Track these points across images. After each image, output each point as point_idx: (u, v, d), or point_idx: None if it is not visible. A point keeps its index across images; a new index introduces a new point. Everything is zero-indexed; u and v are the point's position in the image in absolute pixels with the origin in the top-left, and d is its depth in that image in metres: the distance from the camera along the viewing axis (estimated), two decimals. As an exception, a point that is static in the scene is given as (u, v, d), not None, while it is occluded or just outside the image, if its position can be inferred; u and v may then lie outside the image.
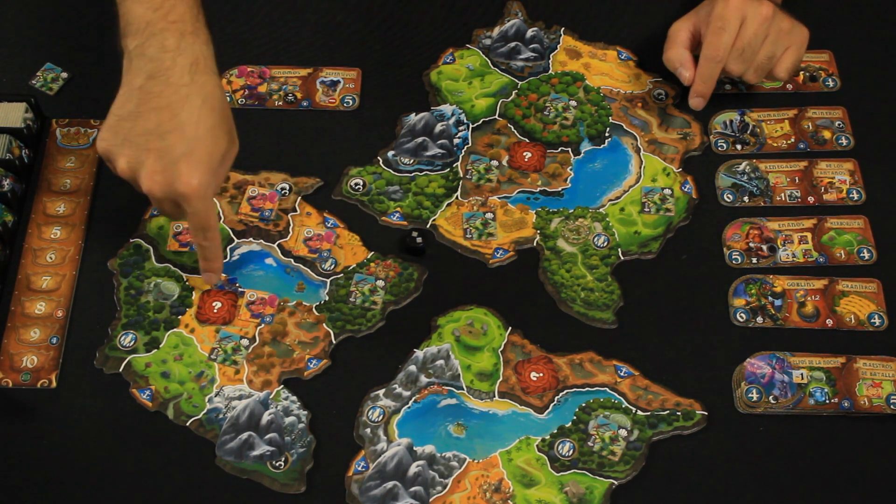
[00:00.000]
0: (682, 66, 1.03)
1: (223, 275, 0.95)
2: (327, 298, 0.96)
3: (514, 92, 1.08)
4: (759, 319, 0.95)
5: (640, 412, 0.91)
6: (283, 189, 1.02)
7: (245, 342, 0.93)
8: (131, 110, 0.85)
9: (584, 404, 0.91)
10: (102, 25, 0.99)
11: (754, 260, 0.98)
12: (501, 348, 0.94)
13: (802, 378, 0.92)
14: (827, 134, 1.05)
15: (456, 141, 1.05)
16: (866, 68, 1.09)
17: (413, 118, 1.06)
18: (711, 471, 0.88)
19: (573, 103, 1.07)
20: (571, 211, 1.01)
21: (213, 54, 0.88)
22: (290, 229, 1.00)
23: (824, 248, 0.98)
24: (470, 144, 1.05)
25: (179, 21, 0.86)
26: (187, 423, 0.90)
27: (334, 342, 0.94)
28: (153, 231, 0.99)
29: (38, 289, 0.96)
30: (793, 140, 1.05)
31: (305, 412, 0.91)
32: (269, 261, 0.98)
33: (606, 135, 1.06)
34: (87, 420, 0.91)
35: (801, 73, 1.09)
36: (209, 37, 0.89)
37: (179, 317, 0.95)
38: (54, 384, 0.92)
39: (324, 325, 0.95)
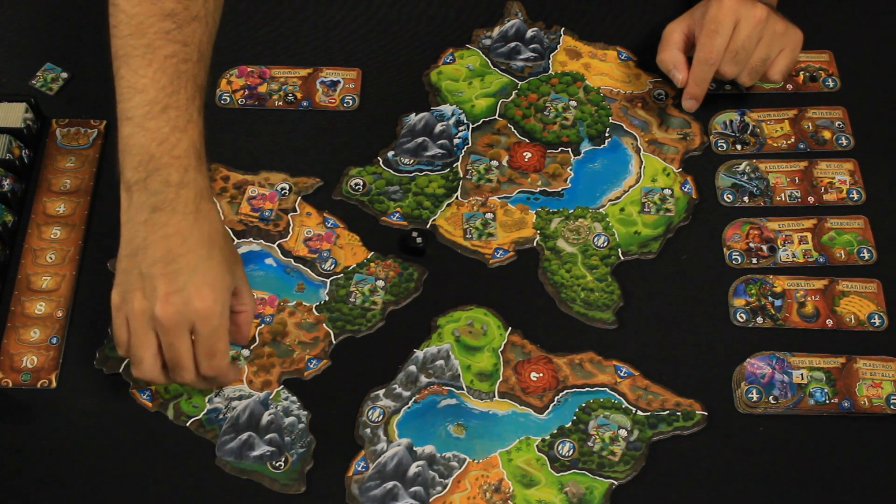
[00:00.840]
0: (676, 68, 1.03)
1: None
2: (327, 298, 0.96)
3: (514, 92, 1.08)
4: (759, 319, 0.95)
5: (640, 412, 0.91)
6: (283, 189, 1.02)
7: (245, 353, 0.93)
8: (139, 245, 0.82)
9: (584, 404, 0.91)
10: (102, 25, 0.98)
11: (754, 260, 0.98)
12: (501, 348, 0.94)
13: (802, 378, 0.92)
14: (827, 134, 1.05)
15: (456, 141, 1.05)
16: (866, 68, 1.09)
17: (413, 118, 1.06)
18: (711, 471, 0.88)
19: (573, 103, 1.07)
20: (571, 211, 1.01)
21: (210, 183, 0.86)
22: (290, 229, 1.00)
23: (824, 248, 0.98)
24: (470, 144, 1.05)
25: (184, 156, 0.83)
26: (187, 424, 0.90)
27: (334, 342, 0.94)
28: None
29: (38, 289, 0.96)
30: (793, 140, 1.05)
31: (305, 412, 0.91)
32: (269, 261, 0.98)
33: (606, 135, 1.06)
34: (87, 420, 0.91)
35: (801, 73, 1.09)
36: (207, 167, 0.86)
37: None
38: (54, 384, 0.92)
39: (324, 325, 0.95)
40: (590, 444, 0.89)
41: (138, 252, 0.82)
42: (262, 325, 0.95)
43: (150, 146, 0.82)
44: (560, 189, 1.02)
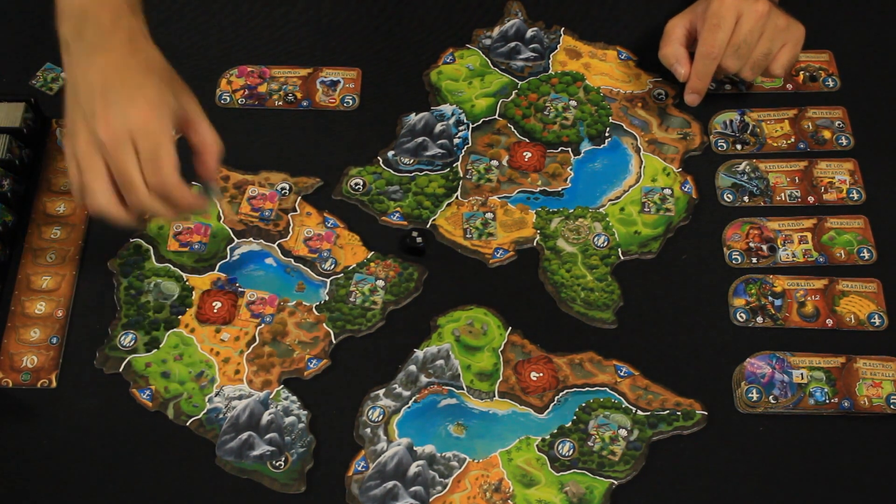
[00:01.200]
0: (678, 62, 1.03)
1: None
2: (327, 298, 0.96)
3: (514, 92, 1.08)
4: (759, 319, 0.95)
5: (640, 412, 0.91)
6: (283, 189, 1.02)
7: (217, 188, 0.93)
8: (77, 84, 0.85)
9: (584, 404, 0.91)
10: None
11: (754, 260, 0.98)
12: (501, 348, 0.94)
13: (802, 378, 0.92)
14: (827, 134, 1.05)
15: (456, 141, 1.05)
16: (866, 68, 1.10)
17: (413, 118, 1.06)
18: (711, 471, 0.88)
19: (573, 103, 1.07)
20: (571, 211, 1.01)
21: (148, 31, 0.88)
22: (290, 229, 1.00)
23: (824, 248, 0.98)
24: (470, 144, 1.05)
25: (114, 2, 0.86)
26: (187, 423, 0.90)
27: (334, 342, 0.94)
28: (153, 231, 0.99)
29: (38, 289, 0.96)
30: (793, 140, 1.05)
31: (305, 412, 0.91)
32: (269, 261, 0.98)
33: (606, 135, 1.06)
34: (87, 420, 0.91)
35: (801, 72, 1.09)
36: (143, 16, 0.89)
37: (179, 317, 0.95)
38: (54, 384, 0.92)
39: (324, 325, 0.95)
40: (590, 443, 0.89)
41: (78, 91, 0.85)
42: (262, 325, 0.95)
43: (82, 1, 0.86)
44: (560, 189, 1.02)
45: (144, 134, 0.83)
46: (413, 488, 0.87)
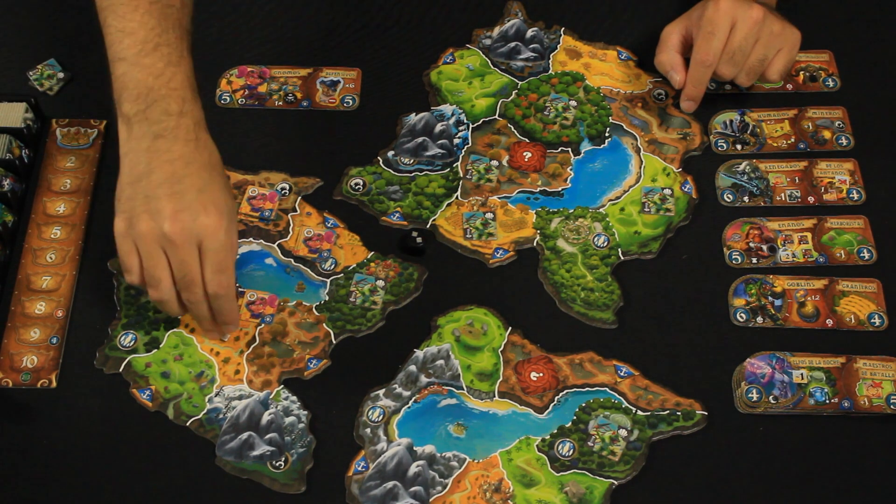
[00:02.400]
0: (673, 69, 1.03)
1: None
2: (327, 298, 0.96)
3: (514, 92, 1.08)
4: (759, 319, 0.95)
5: (640, 412, 0.91)
6: (283, 189, 1.02)
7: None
8: (142, 171, 0.84)
9: (584, 404, 0.91)
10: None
11: (754, 260, 0.98)
12: (501, 348, 0.94)
13: (802, 378, 0.92)
14: (827, 134, 1.05)
15: (456, 141, 1.05)
16: (866, 68, 1.10)
17: (413, 118, 1.06)
18: (711, 471, 0.88)
19: (573, 103, 1.07)
20: (571, 211, 1.01)
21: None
22: (290, 229, 1.00)
23: (824, 248, 0.98)
24: (470, 144, 1.05)
25: (181, 88, 0.86)
26: (187, 423, 0.90)
27: (334, 342, 0.94)
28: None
29: (38, 289, 0.96)
30: (793, 140, 1.05)
31: (305, 412, 0.91)
32: (269, 261, 0.98)
33: (606, 135, 1.06)
34: (87, 420, 0.91)
35: (801, 73, 1.09)
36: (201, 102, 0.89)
37: (179, 317, 0.95)
38: (54, 384, 0.92)
39: (324, 325, 0.95)
40: (590, 443, 0.89)
41: (142, 178, 0.84)
42: (262, 325, 0.95)
43: (148, 80, 0.85)
44: (560, 189, 1.02)
45: (212, 236, 0.84)
46: (413, 488, 0.87)
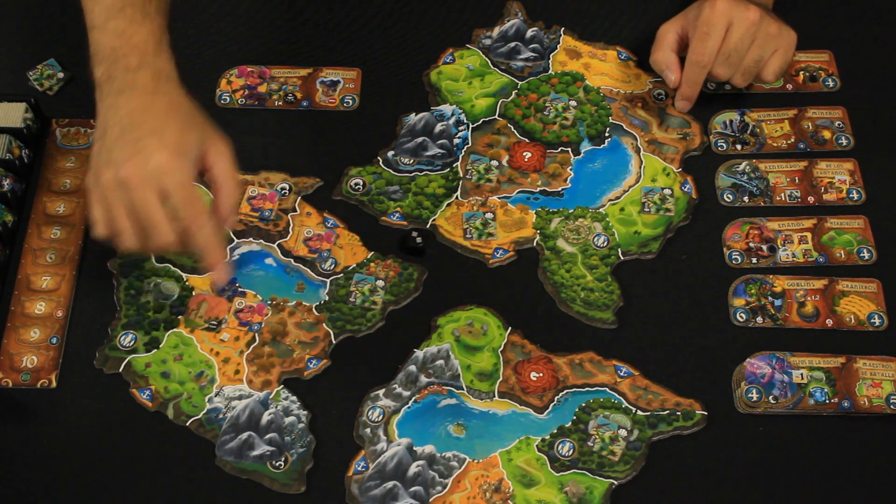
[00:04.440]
0: (669, 68, 1.03)
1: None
2: (327, 298, 0.96)
3: (514, 92, 1.08)
4: (759, 319, 0.95)
5: (640, 412, 0.91)
6: (283, 189, 1.02)
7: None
8: (104, 126, 0.86)
9: (583, 404, 0.91)
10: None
11: (754, 260, 0.98)
12: (501, 348, 0.94)
13: (802, 378, 0.92)
14: (827, 134, 1.05)
15: (456, 141, 1.05)
16: (866, 68, 1.09)
17: (413, 118, 1.06)
18: (711, 471, 0.88)
19: (573, 103, 1.07)
20: (571, 211, 1.01)
21: (176, 71, 0.89)
22: (290, 229, 1.00)
23: (824, 248, 0.98)
24: (470, 144, 1.05)
25: (141, 44, 0.88)
26: (187, 423, 0.90)
27: (334, 342, 0.94)
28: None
29: (38, 289, 0.96)
30: (793, 140, 1.05)
31: (305, 412, 0.91)
32: (269, 261, 0.98)
33: (606, 135, 1.06)
34: (87, 420, 0.91)
35: (801, 73, 1.09)
36: (171, 56, 0.90)
37: (179, 317, 0.95)
38: (54, 384, 0.92)
39: (324, 325, 0.95)
40: (590, 443, 0.89)
41: (105, 133, 0.86)
42: (263, 325, 0.95)
43: (113, 41, 0.88)
44: (560, 189, 1.02)
45: (167, 175, 0.84)
46: (413, 488, 0.87)
